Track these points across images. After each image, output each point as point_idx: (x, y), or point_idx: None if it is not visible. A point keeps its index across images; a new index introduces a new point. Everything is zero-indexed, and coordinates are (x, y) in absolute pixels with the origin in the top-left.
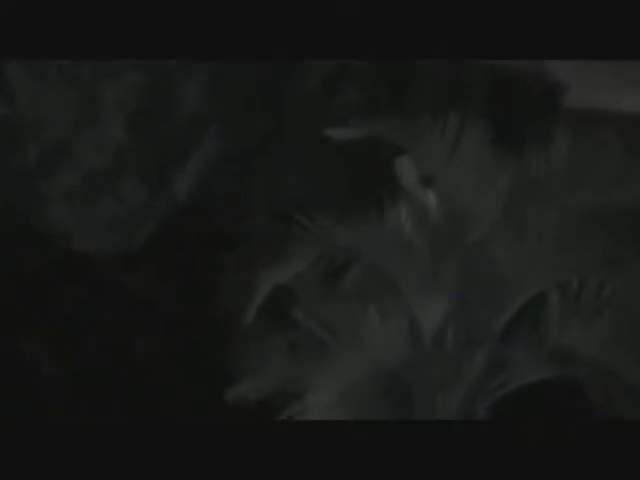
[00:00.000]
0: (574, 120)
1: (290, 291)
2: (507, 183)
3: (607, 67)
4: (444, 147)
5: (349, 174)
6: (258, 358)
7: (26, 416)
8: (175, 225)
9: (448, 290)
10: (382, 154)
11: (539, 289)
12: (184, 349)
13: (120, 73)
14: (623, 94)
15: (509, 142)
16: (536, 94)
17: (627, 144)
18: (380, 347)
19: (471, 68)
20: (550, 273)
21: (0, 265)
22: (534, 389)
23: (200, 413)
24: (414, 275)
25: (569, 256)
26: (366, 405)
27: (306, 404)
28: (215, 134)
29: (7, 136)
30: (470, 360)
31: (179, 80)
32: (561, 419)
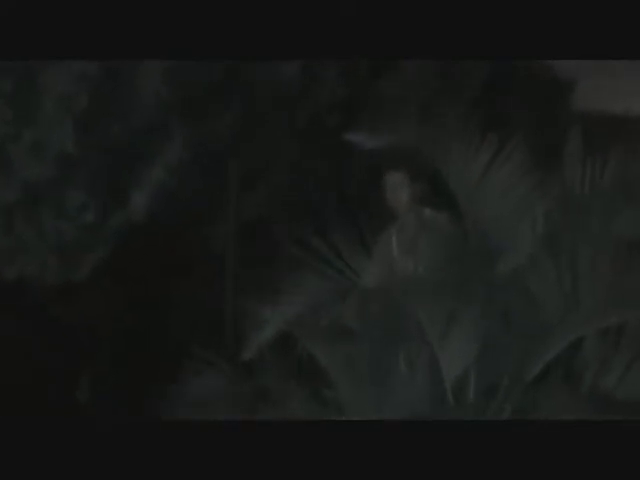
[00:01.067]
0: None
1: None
2: (546, 210)
3: None
4: (479, 166)
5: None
6: None
7: None
8: (129, 249)
9: (474, 333)
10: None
11: (579, 334)
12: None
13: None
14: None
15: (549, 163)
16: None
17: None
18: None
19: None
20: (593, 316)
21: None
22: None
23: None
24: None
25: (616, 296)
26: None
27: None
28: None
29: None
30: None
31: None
32: None
